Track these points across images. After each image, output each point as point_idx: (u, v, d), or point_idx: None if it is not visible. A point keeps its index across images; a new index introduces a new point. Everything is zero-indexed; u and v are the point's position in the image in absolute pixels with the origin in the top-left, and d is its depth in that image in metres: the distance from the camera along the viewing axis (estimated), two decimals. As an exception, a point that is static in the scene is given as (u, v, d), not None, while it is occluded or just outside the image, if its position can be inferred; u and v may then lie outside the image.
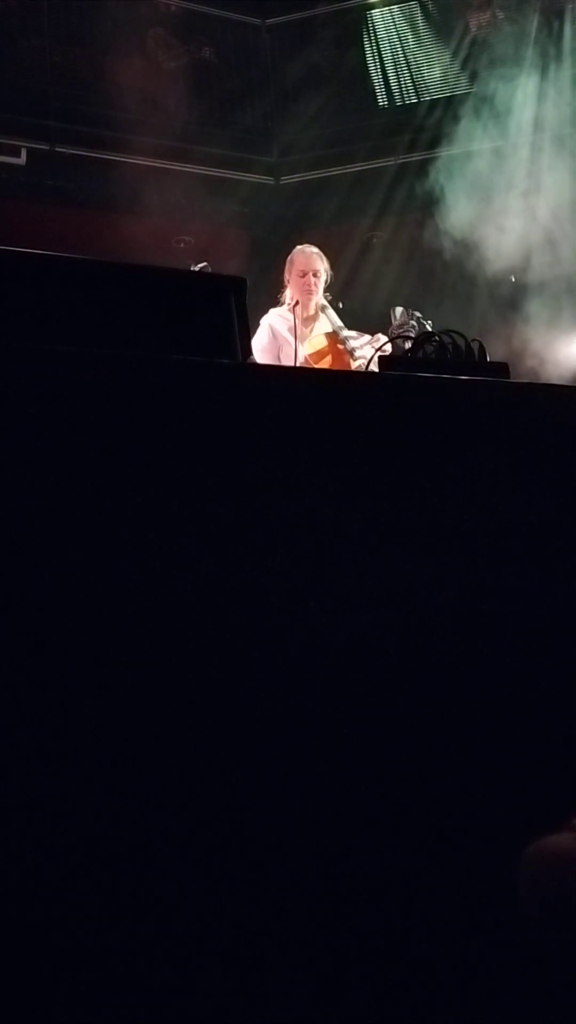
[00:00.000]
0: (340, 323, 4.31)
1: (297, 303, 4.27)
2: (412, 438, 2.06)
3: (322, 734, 1.81)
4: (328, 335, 4.27)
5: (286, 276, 4.43)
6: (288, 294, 4.43)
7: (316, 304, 4.36)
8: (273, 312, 4.44)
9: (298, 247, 4.49)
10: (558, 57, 7.60)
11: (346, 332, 4.26)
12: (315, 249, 4.42)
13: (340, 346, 4.18)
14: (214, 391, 1.87)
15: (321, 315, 4.36)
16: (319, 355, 4.14)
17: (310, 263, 4.37)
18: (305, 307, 4.36)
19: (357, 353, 4.10)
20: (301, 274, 4.35)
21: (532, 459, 2.16)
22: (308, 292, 4.34)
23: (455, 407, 2.17)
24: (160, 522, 1.76)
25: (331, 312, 4.34)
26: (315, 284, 4.36)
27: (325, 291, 4.41)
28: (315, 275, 4.36)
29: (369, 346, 4.02)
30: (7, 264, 1.92)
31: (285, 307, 4.43)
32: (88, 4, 7.46)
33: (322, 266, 4.40)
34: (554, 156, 6.84)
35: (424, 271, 6.62)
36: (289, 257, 4.46)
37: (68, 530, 1.67)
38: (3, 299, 1.84)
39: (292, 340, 4.19)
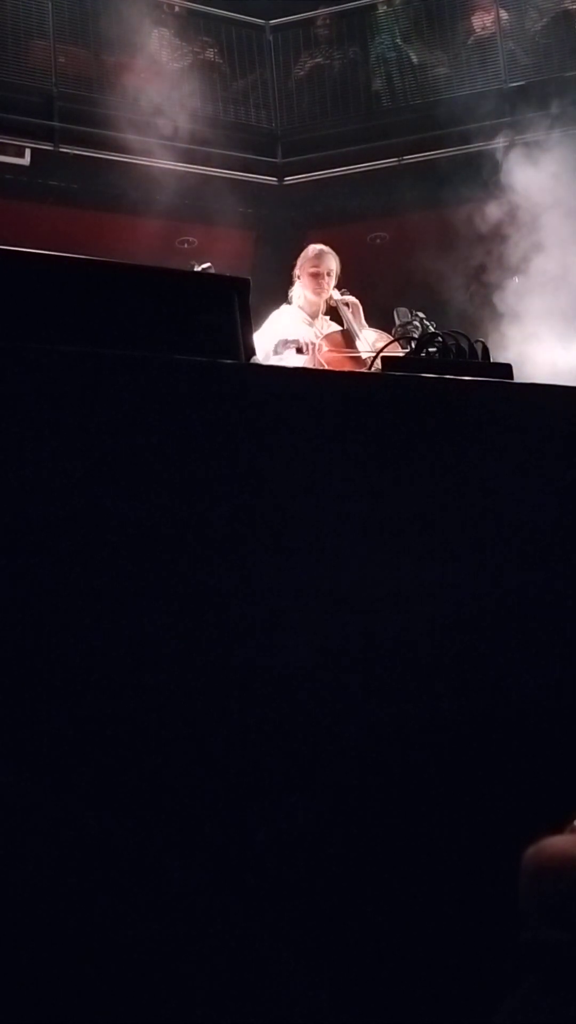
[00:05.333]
0: (353, 322, 4.30)
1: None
2: (415, 439, 2.06)
3: (322, 735, 1.81)
4: (336, 333, 4.27)
5: (297, 272, 4.42)
6: (297, 291, 4.42)
7: (324, 303, 4.36)
8: (285, 308, 4.43)
9: (314, 245, 4.49)
10: (562, 56, 7.59)
11: (363, 330, 4.26)
12: (329, 249, 4.43)
13: (349, 345, 4.18)
14: (217, 391, 1.88)
15: (327, 314, 4.36)
16: (326, 353, 4.14)
17: (326, 263, 4.38)
18: (313, 305, 4.37)
19: (364, 354, 4.10)
20: (314, 274, 4.35)
21: (536, 459, 2.16)
22: (319, 291, 4.35)
23: (458, 408, 2.17)
24: (161, 521, 1.76)
25: (346, 312, 4.33)
26: (328, 284, 4.36)
27: (349, 292, 4.43)
28: (328, 275, 4.37)
29: (378, 343, 4.02)
30: (11, 264, 1.93)
31: (295, 305, 4.42)
32: (92, 5, 7.47)
33: (335, 267, 4.41)
34: (559, 155, 6.83)
35: (428, 271, 6.61)
36: (303, 253, 4.46)
37: (70, 530, 1.68)
38: (6, 299, 1.85)
39: (302, 336, 4.19)
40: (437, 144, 7.62)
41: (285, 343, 4.20)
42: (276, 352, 4.19)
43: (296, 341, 4.19)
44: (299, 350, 4.15)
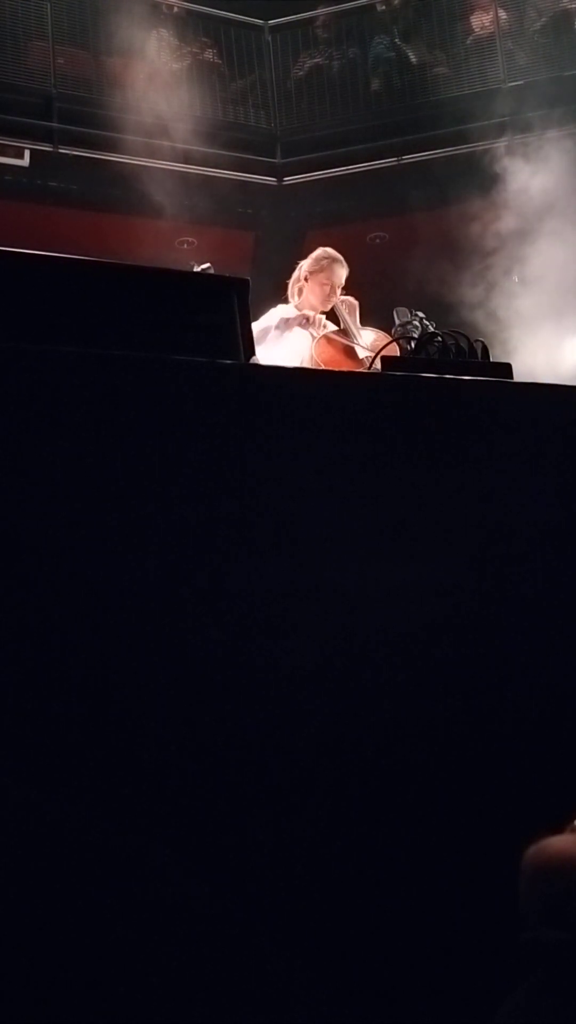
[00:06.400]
0: (350, 321, 4.29)
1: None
2: (415, 439, 2.06)
3: (323, 736, 1.81)
4: (334, 333, 4.26)
5: (305, 273, 4.38)
6: (293, 289, 4.40)
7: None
8: (281, 307, 4.41)
9: (328, 251, 4.43)
10: (562, 56, 7.59)
11: (360, 330, 4.26)
12: (342, 260, 4.39)
13: (346, 345, 4.18)
14: (216, 392, 1.88)
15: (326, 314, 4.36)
16: (323, 353, 4.13)
17: (339, 277, 4.35)
18: (313, 308, 4.36)
19: (362, 354, 4.09)
20: (326, 284, 4.32)
21: (536, 459, 2.16)
22: (325, 302, 4.33)
23: (458, 407, 2.17)
24: (162, 522, 1.76)
25: (342, 312, 4.32)
26: (335, 297, 4.35)
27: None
28: (338, 287, 4.35)
29: (375, 343, 4.01)
30: (11, 265, 1.93)
31: (292, 305, 4.42)
32: (91, 6, 7.48)
33: (344, 279, 4.38)
34: (559, 155, 6.83)
35: (427, 271, 6.62)
36: (316, 257, 4.41)
37: (71, 530, 1.68)
38: (7, 300, 1.85)
39: (301, 335, 4.18)
40: (437, 144, 7.61)
41: (287, 321, 4.19)
42: (277, 327, 4.16)
43: (301, 315, 4.19)
44: (306, 319, 4.16)
